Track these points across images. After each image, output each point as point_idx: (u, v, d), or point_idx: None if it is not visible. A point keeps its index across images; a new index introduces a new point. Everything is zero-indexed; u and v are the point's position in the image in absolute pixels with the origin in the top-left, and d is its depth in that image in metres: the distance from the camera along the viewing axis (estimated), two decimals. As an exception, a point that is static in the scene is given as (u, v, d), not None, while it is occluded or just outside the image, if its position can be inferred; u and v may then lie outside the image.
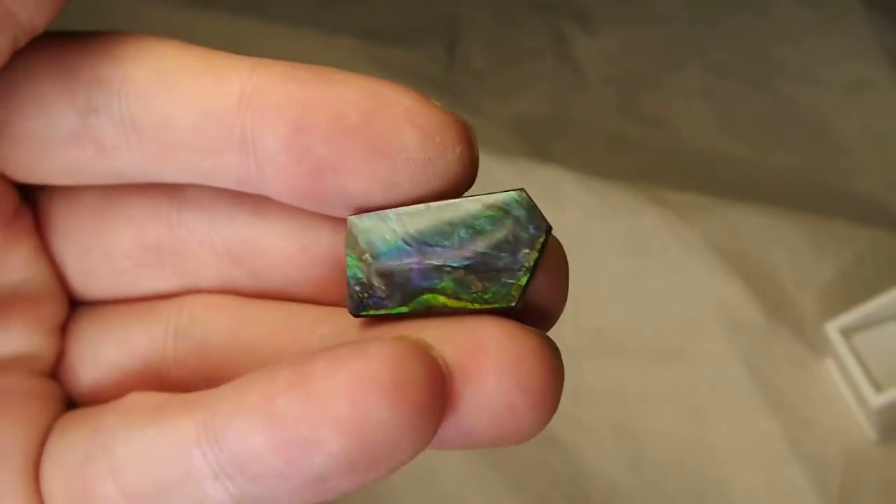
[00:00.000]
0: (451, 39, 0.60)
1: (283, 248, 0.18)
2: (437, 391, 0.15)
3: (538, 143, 0.55)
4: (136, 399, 0.18)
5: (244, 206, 0.18)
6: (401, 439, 0.14)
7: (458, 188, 0.16)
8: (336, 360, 0.15)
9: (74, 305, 0.20)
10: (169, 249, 0.19)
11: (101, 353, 0.19)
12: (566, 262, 0.17)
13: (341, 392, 0.14)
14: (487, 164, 0.49)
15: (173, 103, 0.17)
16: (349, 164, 0.16)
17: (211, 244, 0.19)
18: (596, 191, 0.50)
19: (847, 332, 0.44)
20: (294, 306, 0.19)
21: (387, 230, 0.17)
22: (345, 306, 0.18)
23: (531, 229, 0.16)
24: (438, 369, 0.15)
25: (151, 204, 0.19)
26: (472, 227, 0.16)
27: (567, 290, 0.17)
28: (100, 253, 0.19)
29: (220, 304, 0.19)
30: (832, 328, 0.44)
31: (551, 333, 0.47)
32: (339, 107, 0.16)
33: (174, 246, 0.19)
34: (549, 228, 0.16)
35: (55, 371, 0.20)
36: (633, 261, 0.49)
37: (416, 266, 0.17)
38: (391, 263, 0.17)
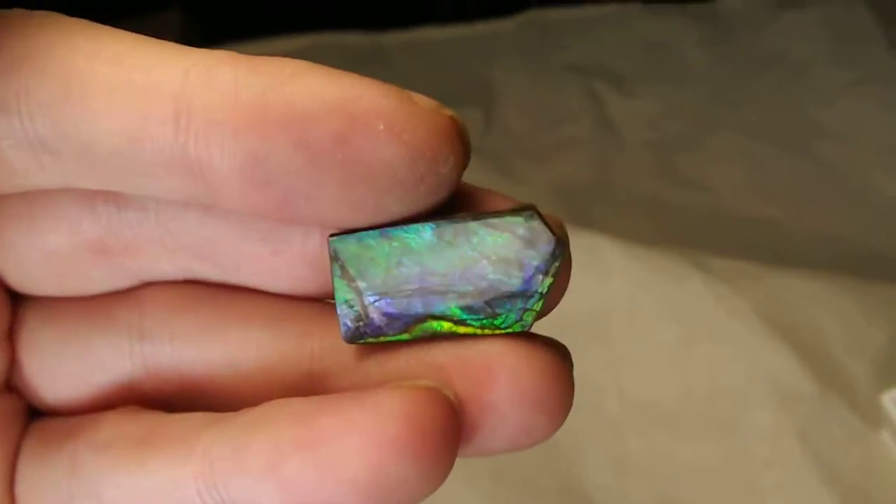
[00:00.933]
0: (487, 103, 0.60)
1: (248, 251, 0.16)
2: (453, 436, 0.14)
3: (578, 208, 0.54)
4: (112, 431, 0.16)
5: (195, 206, 0.15)
6: (418, 487, 0.14)
7: (450, 197, 0.14)
8: (345, 420, 0.14)
9: (16, 298, 0.18)
10: (115, 248, 0.16)
11: (62, 366, 0.17)
12: (570, 262, 0.15)
13: (355, 456, 0.13)
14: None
15: (89, 125, 0.13)
16: (325, 192, 0.13)
17: (162, 241, 0.16)
18: (639, 257, 0.49)
19: (903, 403, 0.43)
20: (275, 309, 0.16)
21: (378, 253, 0.15)
22: (330, 299, 0.16)
23: (544, 251, 0.14)
24: (453, 414, 0.14)
25: (84, 203, 0.16)
26: (478, 249, 0.14)
27: (567, 285, 0.16)
28: (36, 255, 0.16)
29: (186, 303, 0.17)
30: (888, 399, 0.43)
31: (593, 406, 0.46)
32: (305, 128, 0.13)
33: (119, 244, 0.16)
34: (564, 249, 0.14)
35: (10, 382, 0.18)
36: (680, 329, 0.48)
37: (416, 292, 0.15)
38: (388, 290, 0.15)
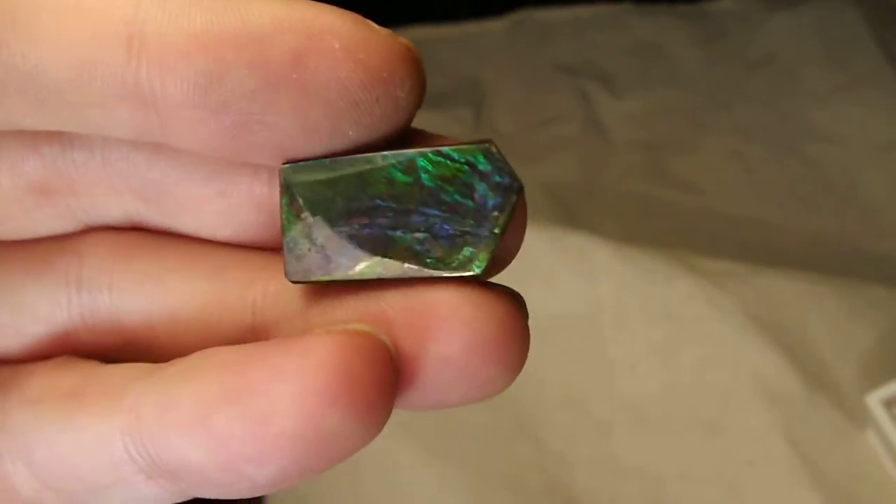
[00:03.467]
0: (478, 103, 0.60)
1: (195, 192, 0.15)
2: (387, 384, 0.13)
3: (567, 209, 0.54)
4: (43, 384, 0.15)
5: (143, 146, 0.15)
6: (352, 438, 0.13)
7: (407, 126, 0.14)
8: (274, 369, 0.13)
9: None
10: (59, 189, 0.15)
11: None
12: (526, 207, 0.14)
13: (285, 407, 0.13)
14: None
15: (36, 53, 0.13)
16: (280, 116, 0.13)
17: (108, 182, 0.15)
18: (628, 257, 0.49)
19: (889, 404, 0.43)
20: (219, 257, 0.16)
21: (330, 185, 0.14)
22: (277, 249, 0.15)
23: (500, 188, 0.13)
24: (387, 360, 0.13)
25: (27, 144, 0.15)
26: (432, 184, 0.14)
27: (524, 234, 0.15)
28: None
29: (127, 252, 0.16)
30: (873, 400, 0.43)
31: (580, 405, 0.46)
32: (261, 47, 0.13)
33: (64, 184, 0.15)
34: (521, 187, 0.14)
35: None
36: (668, 330, 0.48)
37: (366, 228, 0.14)
38: (337, 224, 0.14)
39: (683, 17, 0.65)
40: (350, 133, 0.13)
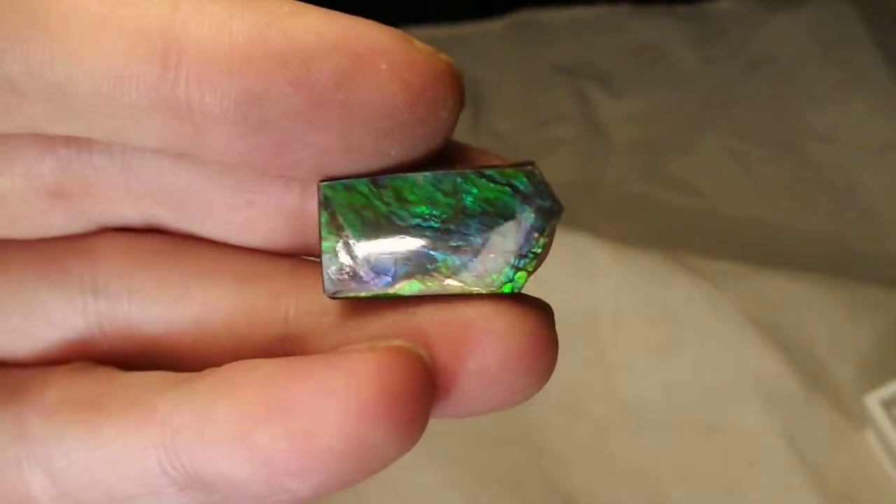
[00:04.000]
0: (476, 103, 0.60)
1: (222, 201, 0.15)
2: (426, 399, 0.13)
3: (566, 209, 0.54)
4: (62, 392, 0.15)
5: (168, 152, 0.14)
6: (392, 451, 0.13)
7: (446, 143, 0.14)
8: (319, 386, 0.13)
9: None
10: (75, 192, 0.15)
11: (5, 319, 0.16)
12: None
13: (330, 425, 0.13)
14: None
15: (67, 63, 0.12)
16: (323, 135, 0.13)
17: (127, 186, 0.15)
18: (626, 258, 0.49)
19: (888, 404, 0.43)
20: (244, 264, 0.15)
21: (370, 202, 0.14)
22: (304, 255, 0.15)
23: (542, 211, 0.14)
24: (427, 375, 0.13)
25: (43, 146, 0.15)
26: (474, 205, 0.14)
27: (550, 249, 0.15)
28: None
29: (144, 256, 0.15)
30: (872, 401, 0.43)
31: (579, 406, 0.46)
32: (306, 67, 0.12)
33: (80, 187, 0.15)
34: (561, 209, 0.14)
35: None
36: (666, 330, 0.48)
37: (406, 246, 0.14)
38: (376, 242, 0.14)
39: (682, 17, 0.65)
40: (392, 153, 0.13)
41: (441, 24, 0.64)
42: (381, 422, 0.13)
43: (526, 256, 0.14)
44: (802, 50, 0.63)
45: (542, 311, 0.14)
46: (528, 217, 0.14)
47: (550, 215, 0.14)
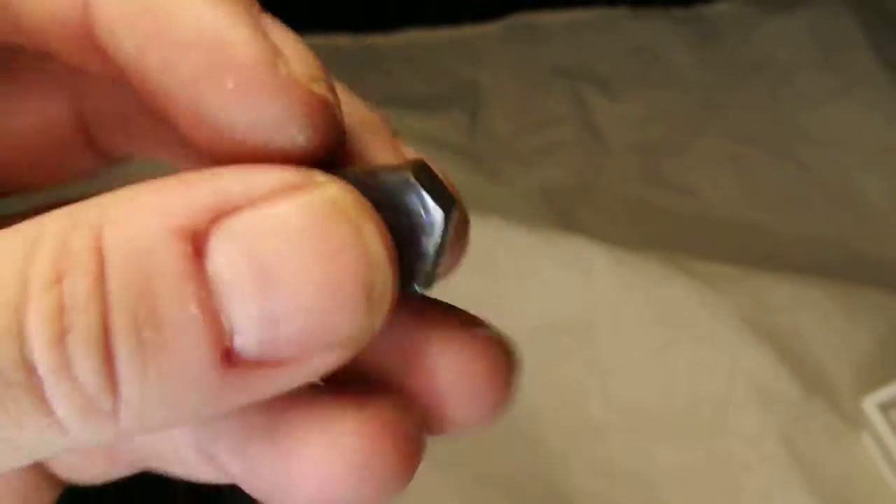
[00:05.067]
0: (474, 106, 0.60)
1: None
2: (417, 461, 0.14)
3: (563, 212, 0.54)
4: None
5: None
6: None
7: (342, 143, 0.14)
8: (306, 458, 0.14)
9: None
10: None
11: None
12: (467, 221, 0.15)
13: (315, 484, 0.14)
14: (512, 234, 0.49)
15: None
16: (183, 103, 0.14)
17: None
18: (623, 260, 0.49)
19: (885, 407, 0.43)
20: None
21: None
22: None
23: (432, 210, 0.13)
24: (415, 436, 0.14)
25: None
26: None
27: (463, 253, 0.15)
28: None
29: None
30: (869, 404, 0.43)
31: (577, 409, 0.46)
32: (174, 49, 0.13)
33: None
34: (452, 207, 0.13)
35: None
36: (663, 332, 0.48)
37: None
38: None
39: (679, 20, 0.65)
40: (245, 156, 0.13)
41: (439, 26, 0.64)
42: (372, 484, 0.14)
43: (424, 254, 0.14)
44: (799, 53, 0.63)
45: (508, 351, 0.15)
46: (418, 216, 0.14)
47: (441, 215, 0.13)
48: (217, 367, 0.12)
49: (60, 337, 0.11)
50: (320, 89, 0.13)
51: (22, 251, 0.12)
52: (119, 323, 0.11)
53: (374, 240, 0.12)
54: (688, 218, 0.55)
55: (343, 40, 0.63)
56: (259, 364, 0.12)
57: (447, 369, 0.14)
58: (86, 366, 0.11)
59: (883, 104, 0.60)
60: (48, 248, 0.12)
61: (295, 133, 0.13)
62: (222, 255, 0.12)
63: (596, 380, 0.46)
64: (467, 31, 0.64)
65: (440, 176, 0.14)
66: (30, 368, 0.11)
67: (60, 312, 0.11)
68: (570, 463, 0.45)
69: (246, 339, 0.12)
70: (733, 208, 0.56)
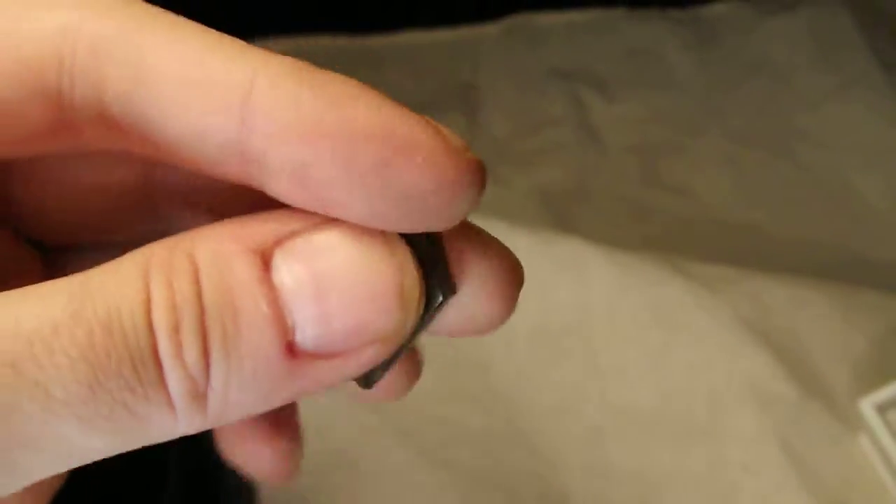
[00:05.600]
0: (471, 107, 0.60)
1: None
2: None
3: (560, 213, 0.54)
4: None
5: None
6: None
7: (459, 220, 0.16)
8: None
9: None
10: None
11: None
12: (506, 270, 0.18)
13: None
14: (510, 236, 0.49)
15: (156, 109, 0.15)
16: (356, 204, 0.15)
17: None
18: (620, 262, 0.49)
19: (882, 409, 0.43)
20: None
21: None
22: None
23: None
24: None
25: None
26: None
27: (507, 300, 0.18)
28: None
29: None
30: (866, 405, 0.43)
31: (574, 411, 0.46)
32: (350, 149, 0.14)
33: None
34: (448, 294, 0.16)
35: None
36: (660, 334, 0.48)
37: None
38: None
39: (676, 21, 0.65)
40: (406, 225, 0.15)
41: (436, 27, 0.64)
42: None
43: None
44: (797, 54, 0.63)
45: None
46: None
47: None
48: (282, 356, 0.15)
49: (176, 328, 0.14)
50: (474, 156, 0.15)
51: (138, 267, 0.15)
52: (211, 316, 0.14)
53: (402, 251, 0.15)
54: (685, 219, 0.55)
55: (341, 41, 0.63)
56: (316, 356, 0.15)
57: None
58: (192, 352, 0.14)
59: (881, 105, 0.60)
60: (158, 261, 0.15)
61: (464, 199, 0.15)
62: (285, 268, 0.15)
63: (593, 381, 0.47)
64: (465, 33, 0.64)
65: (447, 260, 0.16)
66: (156, 354, 0.14)
67: (174, 309, 0.14)
68: (568, 464, 0.45)
69: (305, 335, 0.15)
70: (731, 209, 0.56)
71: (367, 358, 0.15)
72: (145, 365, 0.14)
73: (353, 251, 0.15)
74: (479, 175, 0.15)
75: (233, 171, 0.15)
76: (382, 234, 0.15)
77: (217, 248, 0.15)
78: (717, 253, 0.52)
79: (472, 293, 0.17)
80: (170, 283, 0.14)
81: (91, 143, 0.16)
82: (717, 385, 0.46)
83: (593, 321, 0.48)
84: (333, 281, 0.15)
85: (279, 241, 0.15)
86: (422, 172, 0.14)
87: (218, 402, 0.15)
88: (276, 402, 0.15)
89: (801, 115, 0.60)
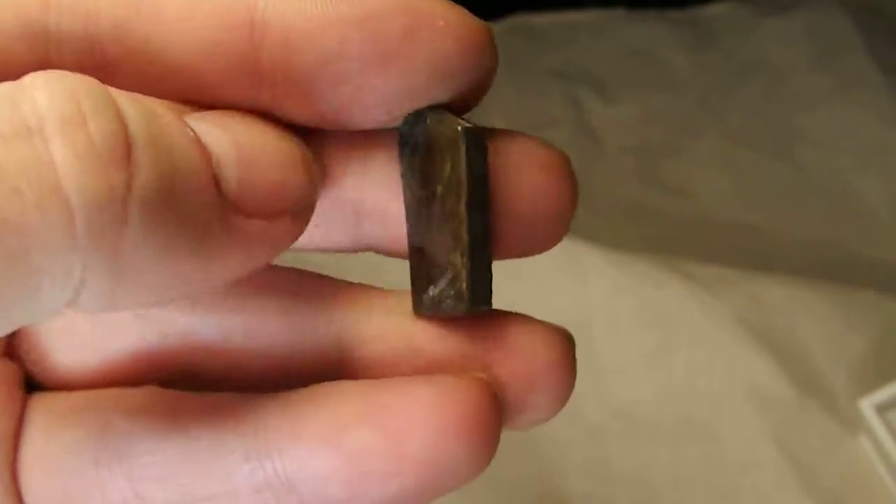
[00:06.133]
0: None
1: None
2: (498, 430, 0.15)
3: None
4: (145, 398, 0.16)
5: None
6: (467, 471, 0.15)
7: (484, 89, 0.16)
8: (413, 396, 0.15)
9: None
10: None
11: (72, 331, 0.17)
12: (556, 168, 0.17)
13: (419, 432, 0.14)
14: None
15: (160, 34, 0.14)
16: (391, 82, 0.15)
17: None
18: (619, 263, 0.49)
19: (882, 409, 0.43)
20: (293, 280, 0.17)
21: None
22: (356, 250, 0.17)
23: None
24: (500, 408, 0.15)
25: None
26: None
27: (575, 187, 0.17)
28: None
29: None
30: (866, 405, 0.43)
31: (573, 412, 0.46)
32: (377, 25, 0.14)
33: None
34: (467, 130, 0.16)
35: (11, 348, 0.17)
36: (659, 335, 0.48)
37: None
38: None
39: (674, 22, 0.65)
40: (442, 97, 0.15)
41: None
42: (463, 439, 0.15)
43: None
44: (795, 55, 0.63)
45: (569, 339, 0.17)
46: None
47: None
48: (211, 183, 0.13)
49: (74, 96, 0.12)
50: (482, 22, 0.15)
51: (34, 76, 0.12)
52: (132, 118, 0.12)
53: (296, 138, 0.15)
54: (683, 220, 0.55)
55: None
56: (238, 209, 0.13)
57: (530, 354, 0.16)
58: (101, 121, 0.12)
59: (879, 106, 0.60)
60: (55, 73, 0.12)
61: (487, 57, 0.15)
62: (203, 126, 0.14)
63: (592, 382, 0.46)
64: (463, 34, 0.64)
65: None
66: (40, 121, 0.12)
67: (72, 91, 0.12)
68: (567, 465, 0.45)
69: (228, 178, 0.13)
70: (729, 210, 0.56)
71: (288, 229, 0.14)
72: (26, 136, 0.11)
73: (263, 126, 0.14)
74: (491, 37, 0.15)
75: (239, 93, 0.15)
76: (274, 124, 0.15)
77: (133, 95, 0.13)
78: (716, 253, 0.51)
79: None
80: (70, 83, 0.12)
81: None
82: (716, 386, 0.46)
83: (592, 322, 0.48)
84: (251, 146, 0.14)
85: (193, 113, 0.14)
86: (444, 35, 0.15)
87: (143, 213, 0.12)
88: (205, 255, 0.13)
89: (799, 116, 0.60)
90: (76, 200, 0.11)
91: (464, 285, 0.16)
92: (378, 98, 0.15)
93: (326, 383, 0.16)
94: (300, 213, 0.15)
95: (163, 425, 0.15)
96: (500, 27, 0.65)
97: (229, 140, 0.14)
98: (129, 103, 0.13)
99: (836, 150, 0.58)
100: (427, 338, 0.16)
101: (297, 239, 0.15)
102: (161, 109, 0.13)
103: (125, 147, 0.12)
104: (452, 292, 0.16)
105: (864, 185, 0.56)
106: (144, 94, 0.14)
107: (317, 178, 0.15)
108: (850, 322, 0.48)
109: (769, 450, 0.44)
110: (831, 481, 0.44)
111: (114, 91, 0.13)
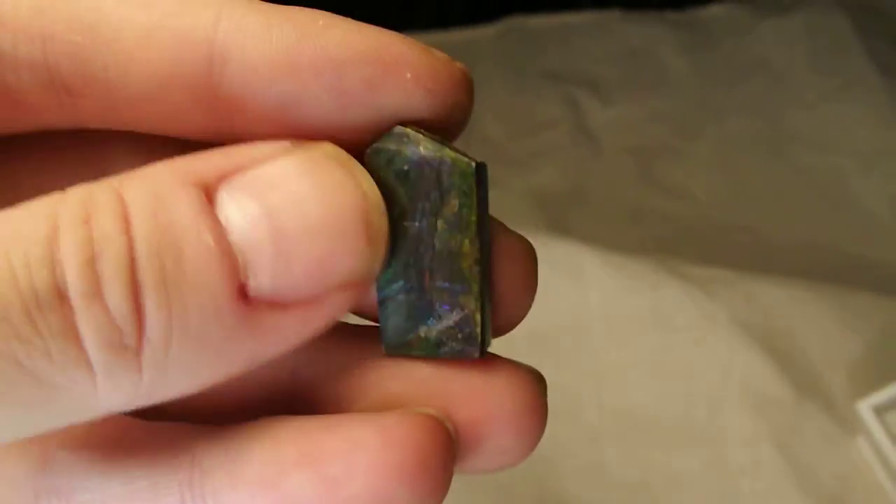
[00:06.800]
0: (466, 110, 0.60)
1: None
2: (450, 467, 0.14)
3: (556, 216, 0.54)
4: (88, 430, 0.15)
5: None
6: None
7: (460, 127, 0.15)
8: (353, 439, 0.14)
9: None
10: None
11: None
12: (529, 257, 0.16)
13: (361, 478, 0.14)
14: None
15: (118, 64, 0.14)
16: (351, 134, 0.14)
17: None
18: (617, 264, 0.49)
19: (880, 411, 0.43)
20: None
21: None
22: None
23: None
24: (452, 446, 0.15)
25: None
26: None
27: (534, 287, 0.16)
28: None
29: None
30: (864, 407, 0.43)
31: (571, 414, 0.46)
32: (337, 74, 0.14)
33: None
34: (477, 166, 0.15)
35: None
36: (657, 337, 0.48)
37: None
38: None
39: (672, 23, 0.65)
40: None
41: (431, 30, 0.64)
42: (407, 481, 0.14)
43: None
44: (794, 56, 0.63)
45: (539, 380, 0.16)
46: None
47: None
48: (233, 299, 0.12)
49: (91, 261, 0.12)
50: (460, 65, 0.15)
51: (48, 204, 0.12)
52: (143, 252, 0.12)
53: (366, 180, 0.14)
54: (682, 221, 0.55)
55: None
56: (274, 305, 0.13)
57: (494, 397, 0.15)
58: (116, 290, 0.12)
59: (877, 107, 0.60)
60: (74, 198, 0.12)
61: (458, 109, 0.15)
62: (233, 205, 0.13)
63: (590, 384, 0.46)
64: (460, 35, 0.64)
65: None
66: (62, 294, 0.12)
67: (90, 242, 0.12)
68: (565, 467, 0.45)
69: (260, 280, 0.13)
70: (727, 211, 0.56)
71: (335, 305, 0.13)
72: (42, 308, 0.12)
73: (310, 181, 0.13)
74: (469, 84, 0.15)
75: (197, 124, 0.14)
76: (339, 160, 0.13)
77: (151, 184, 0.12)
78: (714, 255, 0.51)
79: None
80: (86, 217, 0.12)
81: (38, 115, 0.15)
82: (714, 387, 0.46)
83: (590, 323, 0.48)
84: (290, 216, 0.13)
85: (224, 177, 0.13)
86: (412, 88, 0.14)
87: (156, 358, 0.12)
88: (231, 363, 0.13)
89: (797, 117, 0.60)
90: (96, 367, 0.12)
91: (477, 330, 0.15)
92: (343, 136, 0.14)
93: (269, 420, 0.15)
94: (356, 282, 0.13)
95: (104, 461, 0.15)
96: (495, 29, 0.65)
97: (265, 224, 0.13)
98: (143, 238, 0.12)
99: (835, 151, 0.58)
100: (385, 374, 0.16)
101: (348, 311, 0.14)
102: (182, 208, 0.12)
103: (137, 314, 0.12)
104: (460, 336, 0.15)
105: (862, 185, 0.56)
106: (108, 124, 0.15)
107: (384, 239, 0.14)
108: (848, 323, 0.48)
109: (767, 451, 0.44)
110: (829, 483, 0.43)
111: (128, 201, 0.12)
